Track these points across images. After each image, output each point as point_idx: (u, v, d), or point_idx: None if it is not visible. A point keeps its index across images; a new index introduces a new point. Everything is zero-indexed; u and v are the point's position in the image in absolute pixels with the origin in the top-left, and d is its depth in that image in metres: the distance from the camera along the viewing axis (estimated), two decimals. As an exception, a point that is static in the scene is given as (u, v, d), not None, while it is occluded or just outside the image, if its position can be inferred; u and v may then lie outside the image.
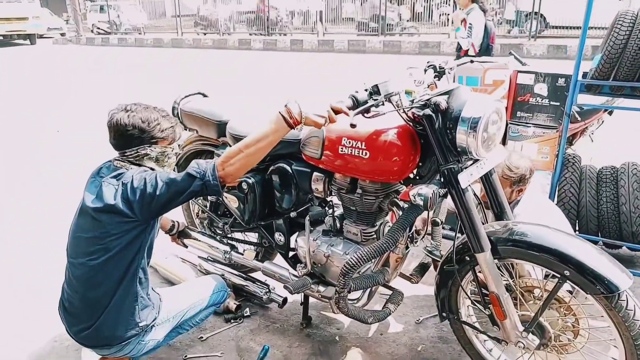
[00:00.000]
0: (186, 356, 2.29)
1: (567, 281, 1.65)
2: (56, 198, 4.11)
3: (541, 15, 12.93)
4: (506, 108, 3.02)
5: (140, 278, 1.88)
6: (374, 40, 14.28)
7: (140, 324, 1.88)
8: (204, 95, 2.73)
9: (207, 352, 2.32)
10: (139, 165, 1.87)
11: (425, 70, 1.97)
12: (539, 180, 2.90)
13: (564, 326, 1.84)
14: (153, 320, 1.94)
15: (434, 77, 1.94)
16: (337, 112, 1.71)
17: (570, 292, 1.82)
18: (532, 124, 2.98)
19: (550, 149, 2.96)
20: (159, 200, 1.72)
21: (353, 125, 1.63)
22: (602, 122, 4.41)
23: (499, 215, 1.95)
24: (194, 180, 1.71)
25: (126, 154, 1.87)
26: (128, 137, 1.84)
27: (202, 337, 2.41)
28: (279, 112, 1.69)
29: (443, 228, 2.27)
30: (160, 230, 2.67)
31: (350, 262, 1.76)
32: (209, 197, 2.65)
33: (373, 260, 2.05)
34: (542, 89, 2.92)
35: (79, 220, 1.85)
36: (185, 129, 2.64)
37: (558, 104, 2.90)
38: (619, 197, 2.84)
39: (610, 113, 4.46)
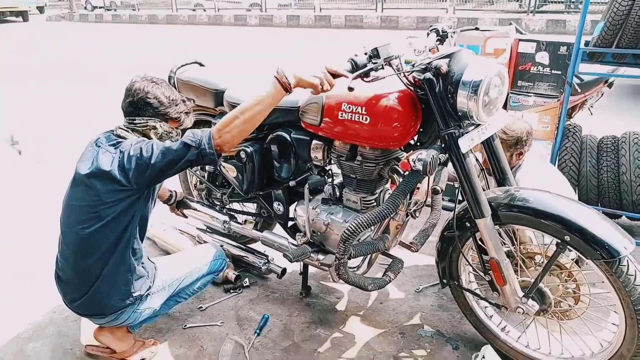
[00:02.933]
0: (186, 325, 2.29)
1: (568, 246, 1.64)
2: (52, 172, 4.08)
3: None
4: (507, 77, 2.98)
5: (134, 249, 1.86)
6: (371, 15, 14.08)
7: (134, 294, 1.88)
8: (201, 65, 2.68)
9: (206, 322, 2.32)
10: (143, 135, 1.85)
11: (428, 34, 1.93)
12: (539, 150, 2.88)
13: (565, 292, 1.84)
14: (148, 290, 1.93)
15: (436, 42, 1.90)
16: (334, 75, 1.67)
17: (577, 263, 1.81)
18: (533, 93, 2.94)
19: (551, 119, 2.93)
20: (154, 168, 1.70)
21: (351, 89, 1.59)
22: (602, 94, 4.38)
23: (501, 181, 1.93)
24: (190, 149, 1.68)
25: (135, 122, 1.85)
26: (145, 105, 1.84)
27: (201, 307, 2.41)
28: (274, 76, 1.65)
29: (442, 199, 2.26)
30: (158, 202, 2.67)
31: (350, 228, 1.75)
32: (207, 168, 2.62)
33: (373, 228, 2.05)
34: (543, 57, 2.87)
35: (73, 189, 1.83)
36: (184, 103, 2.59)
37: (559, 72, 2.86)
38: (620, 167, 2.83)
39: (609, 86, 4.42)
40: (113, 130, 1.88)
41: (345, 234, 1.76)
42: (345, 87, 1.81)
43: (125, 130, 1.86)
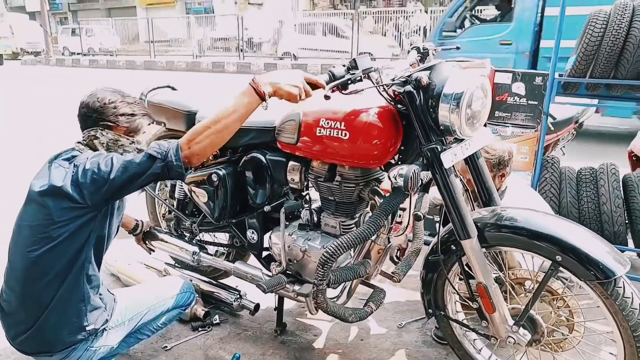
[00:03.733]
0: (148, 366, 2.08)
1: (560, 267, 1.54)
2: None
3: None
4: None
5: (89, 275, 1.68)
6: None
7: (87, 328, 1.68)
8: (173, 89, 2.59)
9: (171, 362, 2.11)
10: (91, 149, 1.71)
11: (409, 52, 1.88)
12: (519, 181, 2.84)
13: (558, 320, 1.73)
14: (104, 324, 1.74)
15: (417, 58, 1.86)
16: (312, 86, 1.59)
17: (564, 282, 1.71)
18: (511, 123, 2.94)
19: (530, 149, 2.91)
20: (113, 183, 1.55)
21: (327, 97, 1.51)
22: (573, 135, 4.44)
23: (487, 202, 1.84)
24: (155, 161, 1.55)
25: (83, 137, 1.72)
26: (83, 117, 1.73)
27: (166, 347, 2.20)
28: (249, 84, 1.56)
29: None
30: (123, 233, 2.49)
31: (329, 251, 1.63)
32: (176, 195, 2.47)
33: (353, 253, 1.92)
34: (519, 88, 2.89)
35: (24, 208, 1.67)
36: (152, 122, 2.47)
37: (536, 103, 2.87)
38: (600, 197, 2.80)
39: (580, 126, 4.50)
40: (74, 147, 1.75)
41: (323, 257, 1.63)
42: (324, 104, 1.74)
43: (80, 144, 1.73)
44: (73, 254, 1.62)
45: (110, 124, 1.72)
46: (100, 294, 1.76)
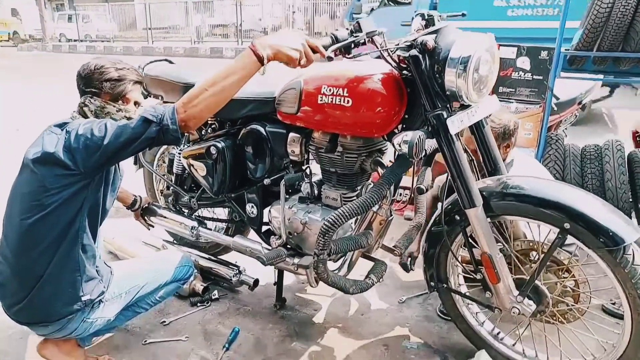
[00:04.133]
0: (146, 341, 2.05)
1: (568, 235, 1.50)
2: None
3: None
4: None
5: (84, 245, 1.64)
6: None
7: (83, 298, 1.64)
8: (170, 62, 2.53)
9: (169, 337, 2.08)
10: (86, 118, 1.67)
11: (412, 19, 1.83)
12: (524, 154, 2.80)
13: (563, 291, 1.69)
14: (100, 295, 1.70)
15: (422, 24, 1.80)
16: (313, 49, 1.53)
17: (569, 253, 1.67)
18: (515, 99, 2.89)
19: (534, 125, 2.86)
20: (106, 149, 1.50)
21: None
22: (577, 116, 4.39)
23: (493, 172, 1.80)
24: (150, 125, 1.49)
25: (85, 101, 1.69)
26: (77, 86, 1.70)
27: (164, 322, 2.17)
28: (248, 46, 1.50)
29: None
30: (121, 211, 2.45)
31: (330, 219, 1.59)
32: (174, 169, 2.43)
33: (355, 225, 1.89)
34: (524, 62, 2.84)
35: (18, 177, 1.63)
36: (149, 96, 2.43)
37: (541, 77, 2.82)
38: (604, 173, 2.75)
39: (583, 108, 4.44)
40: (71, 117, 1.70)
41: (325, 226, 1.59)
42: (325, 71, 1.69)
43: (77, 112, 1.69)
44: (66, 222, 1.58)
45: (96, 90, 1.68)
46: (96, 266, 1.73)
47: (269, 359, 1.96)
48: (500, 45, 2.88)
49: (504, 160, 2.17)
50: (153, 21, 18.63)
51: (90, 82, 1.67)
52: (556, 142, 2.90)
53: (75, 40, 19.96)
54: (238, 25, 17.06)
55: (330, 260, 1.98)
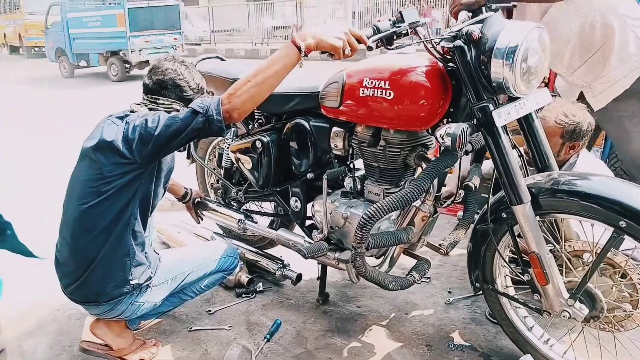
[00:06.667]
0: (191, 328, 2.12)
1: (624, 235, 1.40)
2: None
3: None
4: (548, 79, 2.78)
5: (134, 231, 1.72)
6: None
7: (131, 282, 1.72)
8: (222, 59, 2.60)
9: (214, 325, 2.14)
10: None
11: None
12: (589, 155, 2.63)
13: (620, 296, 1.58)
14: (147, 280, 1.78)
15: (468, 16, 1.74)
16: (357, 39, 1.52)
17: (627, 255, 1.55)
18: (577, 95, 2.72)
19: (598, 123, 2.68)
20: (158, 139, 1.58)
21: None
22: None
23: (543, 169, 1.70)
24: (197, 116, 1.56)
25: (158, 101, 1.78)
26: (173, 86, 1.79)
27: (210, 311, 2.23)
28: (290, 39, 1.52)
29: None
30: (175, 206, 2.56)
31: (368, 213, 1.57)
32: (223, 163, 2.49)
33: (396, 220, 1.85)
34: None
35: (78, 165, 1.74)
36: (209, 93, 2.51)
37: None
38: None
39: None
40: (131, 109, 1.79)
41: (363, 220, 1.58)
42: (368, 63, 1.67)
43: (141, 106, 1.77)
44: (120, 208, 1.66)
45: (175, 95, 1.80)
46: (145, 252, 1.80)
47: (309, 352, 1.96)
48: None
49: (566, 161, 2.06)
50: (216, 24, 19.25)
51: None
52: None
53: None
54: (298, 27, 17.28)
55: (370, 255, 1.97)
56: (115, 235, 1.68)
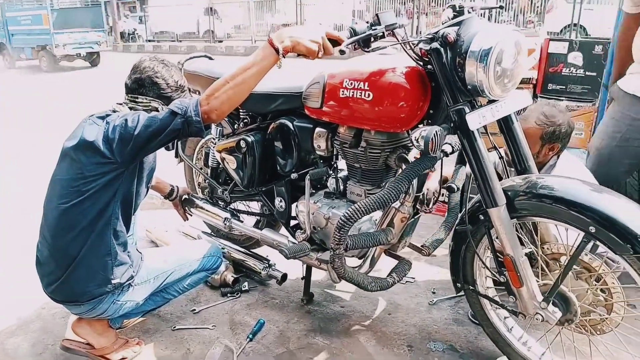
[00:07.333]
0: (175, 327, 2.13)
1: (593, 239, 1.41)
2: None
3: (581, 26, 12.39)
4: (536, 80, 2.79)
5: (116, 231, 1.73)
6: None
7: (113, 281, 1.73)
8: (210, 58, 2.61)
9: (198, 324, 2.15)
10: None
11: (444, 10, 1.78)
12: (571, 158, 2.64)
13: (595, 300, 1.58)
14: (129, 279, 1.79)
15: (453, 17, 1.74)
16: (334, 42, 1.53)
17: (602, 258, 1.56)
18: (566, 97, 2.73)
19: (585, 125, 2.70)
20: (137, 139, 1.59)
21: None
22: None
23: (522, 171, 1.71)
24: (175, 117, 1.57)
25: (137, 100, 1.78)
26: (151, 84, 1.79)
27: (194, 310, 2.25)
28: (267, 39, 1.53)
29: None
30: (163, 206, 2.56)
31: (346, 214, 1.57)
32: (210, 163, 2.50)
33: (375, 221, 1.86)
34: (576, 58, 2.68)
35: (58, 165, 1.75)
36: (190, 92, 2.51)
37: (594, 74, 2.64)
38: (664, 178, 2.54)
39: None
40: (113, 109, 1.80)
41: (341, 221, 1.58)
42: (349, 65, 1.68)
43: (122, 106, 1.78)
44: (100, 208, 1.67)
45: (147, 91, 1.80)
46: (128, 251, 1.81)
47: (290, 352, 1.98)
48: (550, 39, 2.74)
49: (546, 162, 2.06)
50: (216, 21, 19.24)
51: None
52: (610, 143, 2.71)
53: (146, 41, 21.00)
54: (299, 24, 17.28)
55: (352, 256, 1.98)
56: (97, 235, 1.69)
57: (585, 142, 2.70)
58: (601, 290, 1.56)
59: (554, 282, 1.53)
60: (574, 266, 1.53)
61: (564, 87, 2.73)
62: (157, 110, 1.75)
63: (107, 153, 1.62)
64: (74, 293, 1.73)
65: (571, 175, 1.94)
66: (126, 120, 1.63)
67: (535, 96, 2.80)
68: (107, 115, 1.72)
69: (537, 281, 1.60)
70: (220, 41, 18.64)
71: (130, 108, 1.77)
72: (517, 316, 1.65)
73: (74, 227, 1.67)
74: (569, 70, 2.69)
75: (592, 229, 1.36)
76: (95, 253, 1.71)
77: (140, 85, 1.79)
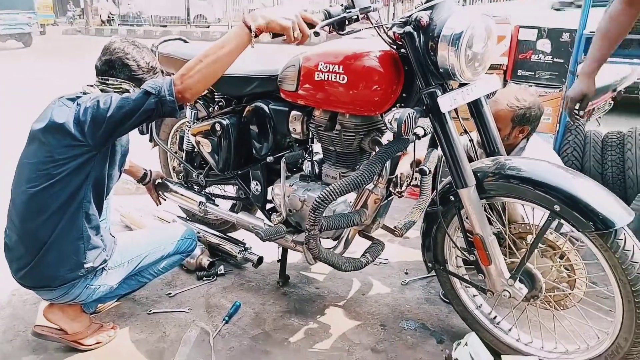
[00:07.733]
0: (150, 311, 2.13)
1: (558, 218, 1.47)
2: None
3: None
4: (506, 67, 2.85)
5: (88, 214, 1.71)
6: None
7: (85, 265, 1.72)
8: (185, 41, 2.57)
9: (173, 308, 2.15)
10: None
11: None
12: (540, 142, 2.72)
13: (559, 276, 1.65)
14: (102, 263, 1.78)
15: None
16: (309, 22, 1.54)
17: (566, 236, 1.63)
18: (534, 82, 2.80)
19: (553, 110, 2.78)
20: (110, 120, 1.57)
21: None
22: (611, 104, 4.20)
23: (491, 153, 1.76)
24: (149, 97, 1.55)
25: (108, 82, 1.76)
26: (122, 66, 1.76)
27: (170, 293, 2.25)
28: (242, 20, 1.52)
29: None
30: (138, 192, 2.53)
31: (321, 196, 1.60)
32: (184, 146, 2.49)
33: (349, 202, 1.90)
34: (545, 45, 2.74)
35: (27, 147, 1.71)
36: (162, 74, 2.48)
37: (562, 61, 2.72)
38: (625, 162, 2.65)
39: (618, 96, 4.22)
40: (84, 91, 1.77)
41: (315, 202, 1.61)
42: (324, 48, 1.69)
43: (93, 88, 1.75)
44: (71, 192, 1.65)
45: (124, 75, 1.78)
46: (101, 235, 1.80)
47: (266, 333, 2.00)
48: (519, 27, 2.80)
49: (516, 145, 2.12)
50: (192, 6, 18.90)
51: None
52: (576, 129, 2.80)
53: (119, 24, 20.49)
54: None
55: (327, 237, 2.01)
56: (68, 219, 1.66)
57: (553, 126, 2.79)
58: (565, 267, 1.63)
59: (521, 259, 1.59)
60: (540, 244, 1.60)
61: (532, 73, 2.80)
62: (128, 92, 1.73)
63: (79, 135, 1.60)
64: (45, 278, 1.71)
65: (540, 157, 2.02)
66: (98, 101, 1.60)
67: (505, 82, 2.87)
68: (78, 97, 1.69)
69: (505, 259, 1.66)
70: (208, 26, 18.30)
71: (101, 90, 1.75)
72: (485, 293, 1.71)
73: (43, 211, 1.65)
74: (538, 56, 2.76)
75: (557, 208, 1.42)
76: (66, 237, 1.69)
77: (111, 67, 1.76)
